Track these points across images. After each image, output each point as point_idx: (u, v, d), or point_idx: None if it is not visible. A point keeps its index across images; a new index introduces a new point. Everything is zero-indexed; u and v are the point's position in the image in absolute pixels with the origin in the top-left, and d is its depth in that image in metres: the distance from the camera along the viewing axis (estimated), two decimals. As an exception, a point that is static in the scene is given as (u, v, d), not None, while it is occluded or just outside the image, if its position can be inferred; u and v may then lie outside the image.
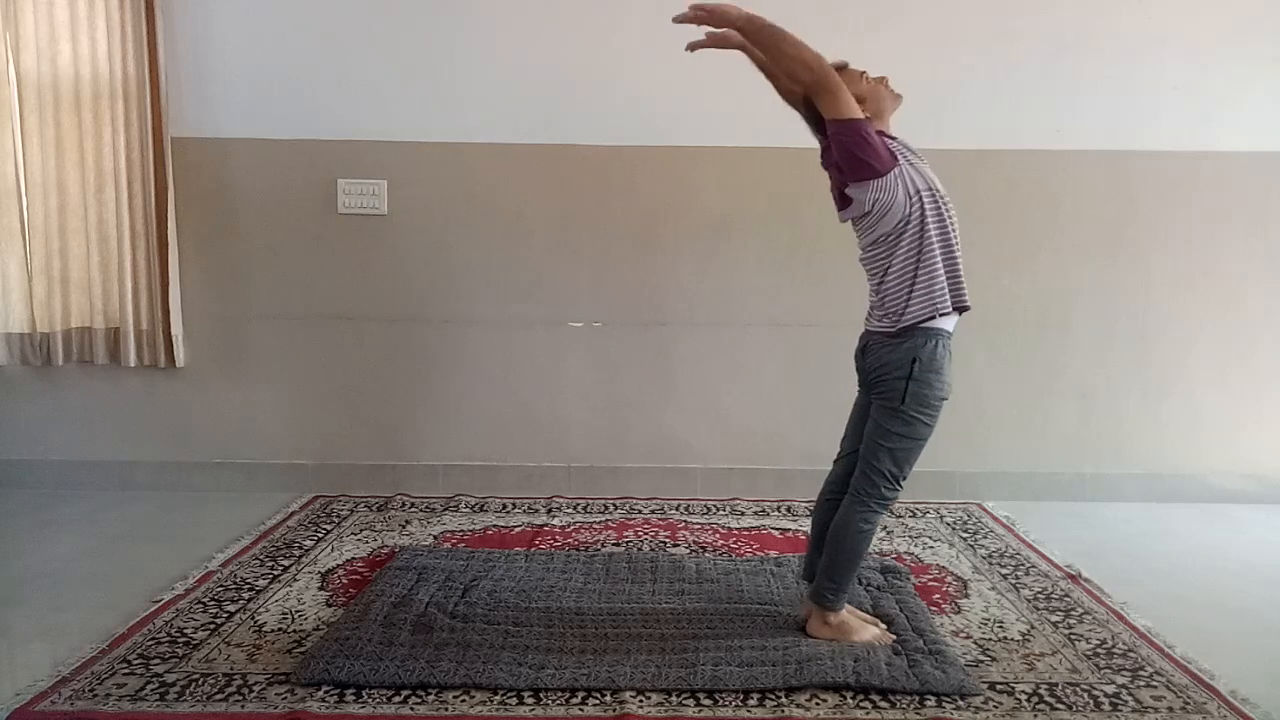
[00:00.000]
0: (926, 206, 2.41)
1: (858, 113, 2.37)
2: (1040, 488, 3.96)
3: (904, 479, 2.53)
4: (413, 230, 3.90)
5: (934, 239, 2.41)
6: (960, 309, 2.47)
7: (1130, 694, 2.35)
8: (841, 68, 2.49)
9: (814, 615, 2.60)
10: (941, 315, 2.42)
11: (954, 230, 2.46)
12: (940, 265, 2.42)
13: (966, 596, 2.95)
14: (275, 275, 3.93)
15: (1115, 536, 3.56)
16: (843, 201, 2.50)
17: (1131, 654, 2.56)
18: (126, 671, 2.41)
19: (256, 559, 3.20)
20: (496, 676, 2.35)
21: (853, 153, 2.37)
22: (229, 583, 2.99)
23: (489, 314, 3.94)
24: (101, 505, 3.74)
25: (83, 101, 3.74)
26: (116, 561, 3.23)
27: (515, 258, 3.92)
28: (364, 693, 2.30)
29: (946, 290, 2.43)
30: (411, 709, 2.25)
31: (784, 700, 2.29)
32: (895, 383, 2.45)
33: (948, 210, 2.45)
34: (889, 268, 2.45)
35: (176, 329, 3.87)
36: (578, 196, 3.89)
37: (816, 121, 2.49)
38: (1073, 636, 2.67)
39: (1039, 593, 2.97)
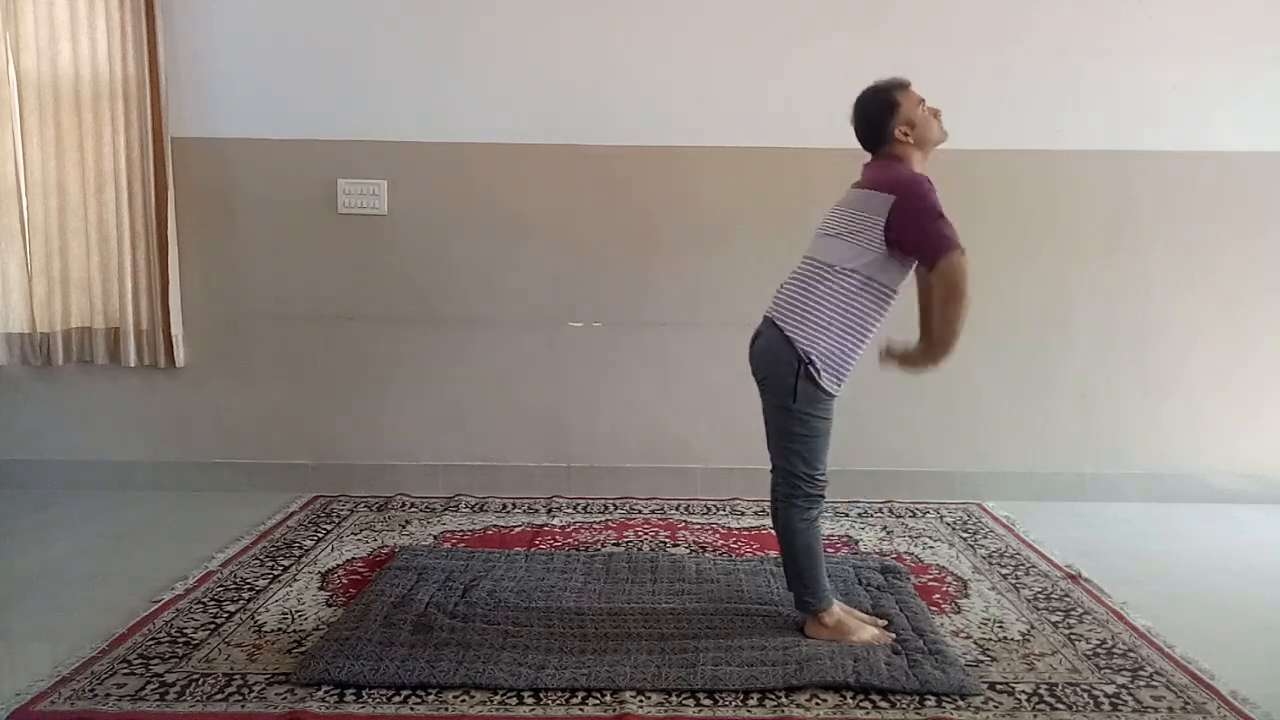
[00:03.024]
0: (872, 293, 2.44)
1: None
2: (1040, 488, 3.96)
3: (822, 472, 2.52)
4: (413, 230, 3.90)
5: (856, 317, 2.44)
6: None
7: (1130, 694, 2.35)
8: (905, 85, 2.50)
9: (809, 618, 2.60)
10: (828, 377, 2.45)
11: (878, 324, 2.50)
12: (855, 343, 2.46)
13: (966, 596, 2.95)
14: (275, 275, 3.93)
15: (1115, 536, 3.56)
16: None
17: (1131, 654, 2.56)
18: (126, 671, 2.41)
19: (256, 559, 3.20)
20: (496, 676, 2.35)
21: (923, 230, 2.37)
22: (229, 583, 2.99)
23: (489, 314, 3.94)
24: (101, 505, 3.74)
25: (83, 101, 3.74)
26: (116, 561, 3.23)
27: (515, 258, 3.92)
28: (364, 693, 2.31)
29: (837, 369, 2.46)
30: (411, 709, 2.25)
31: (784, 700, 2.29)
32: (785, 380, 2.45)
33: (885, 304, 2.49)
34: (814, 291, 2.47)
35: (176, 329, 3.87)
36: (578, 196, 3.89)
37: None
38: (1073, 636, 2.67)
39: (1039, 593, 2.97)
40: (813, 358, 2.43)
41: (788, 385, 2.44)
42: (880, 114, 2.50)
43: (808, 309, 2.46)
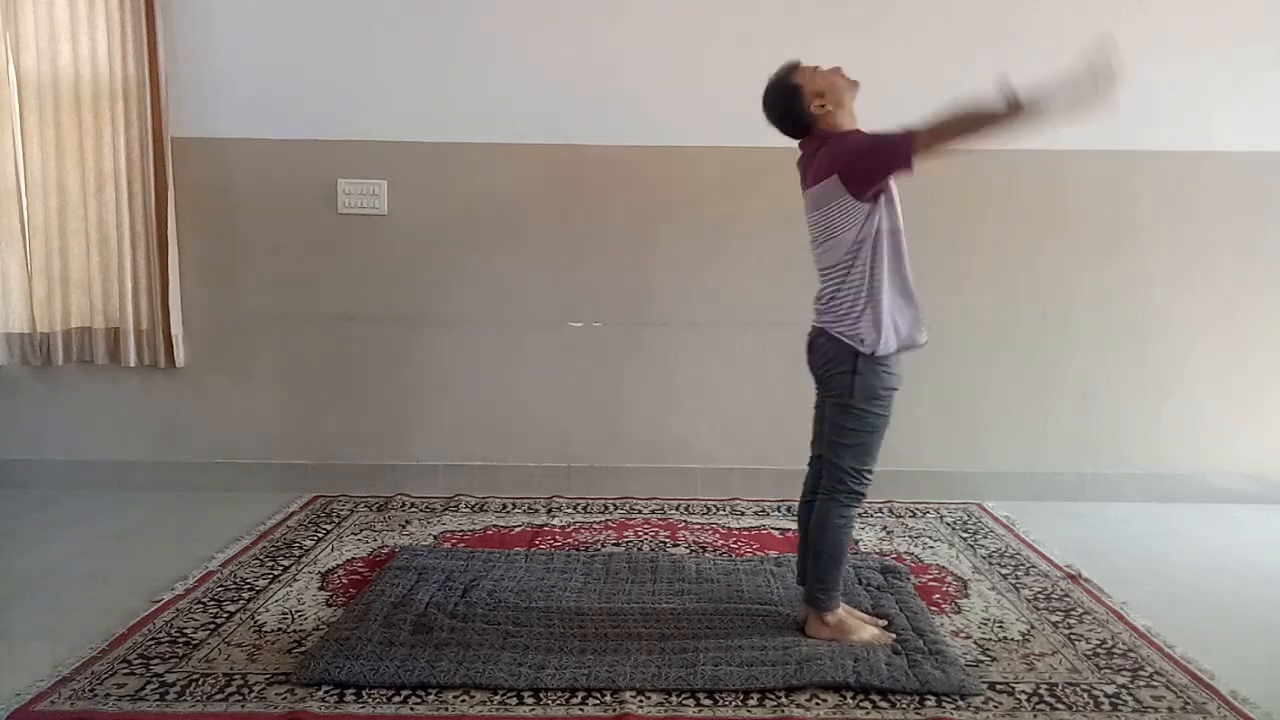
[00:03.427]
0: (884, 248, 2.42)
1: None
2: (1040, 488, 3.96)
3: (869, 472, 2.54)
4: (413, 230, 3.90)
5: (885, 279, 2.42)
6: (909, 348, 2.48)
7: (1130, 694, 2.35)
8: (795, 65, 2.50)
9: (811, 616, 2.60)
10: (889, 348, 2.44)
11: (907, 267, 2.47)
12: (889, 304, 2.43)
13: (966, 596, 2.95)
14: (275, 275, 3.93)
15: (1115, 536, 3.56)
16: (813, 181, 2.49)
17: (1131, 654, 2.56)
18: (126, 671, 2.41)
19: (256, 559, 3.20)
20: (496, 676, 2.35)
21: (869, 167, 2.37)
22: (229, 583, 2.99)
23: (489, 314, 3.94)
24: (101, 505, 3.74)
25: (83, 101, 3.74)
26: (116, 561, 3.23)
27: (515, 258, 3.92)
28: (364, 693, 2.31)
29: (895, 330, 2.44)
30: (411, 709, 2.25)
31: (784, 700, 2.29)
32: (841, 377, 2.46)
33: (902, 247, 2.46)
34: (840, 289, 2.47)
35: (176, 329, 3.87)
36: (578, 196, 3.89)
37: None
38: (1073, 636, 2.67)
39: (1039, 593, 2.98)
40: (874, 344, 2.42)
41: (845, 382, 2.45)
42: (789, 103, 2.50)
43: (846, 306, 2.45)
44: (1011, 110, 2.24)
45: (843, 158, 2.41)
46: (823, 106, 2.47)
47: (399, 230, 3.90)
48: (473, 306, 3.93)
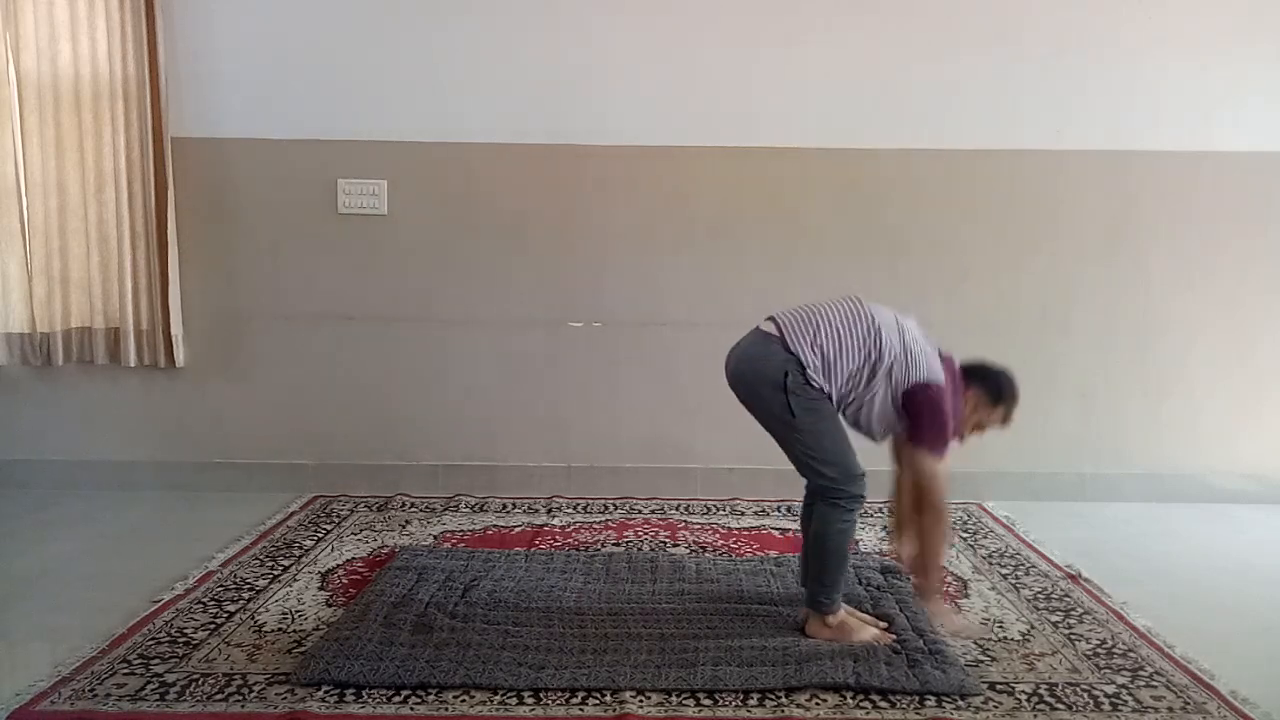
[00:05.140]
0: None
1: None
2: (1040, 488, 3.96)
3: (854, 468, 2.54)
4: (413, 230, 3.90)
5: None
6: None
7: (1130, 694, 2.35)
8: (1004, 402, 2.76)
9: (812, 618, 2.60)
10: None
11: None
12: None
13: (966, 596, 2.95)
14: (275, 275, 3.93)
15: (1115, 536, 3.56)
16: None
17: (1131, 654, 2.56)
18: (126, 671, 2.41)
19: (256, 559, 3.20)
20: (496, 676, 2.35)
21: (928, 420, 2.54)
22: (229, 583, 2.99)
23: (489, 314, 3.94)
24: (101, 505, 3.74)
25: (83, 101, 3.74)
26: (116, 561, 3.23)
27: (515, 258, 3.92)
28: (364, 693, 2.30)
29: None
30: (411, 709, 2.25)
31: (784, 700, 2.29)
32: (775, 395, 2.54)
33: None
34: (866, 407, 2.60)
35: (176, 329, 3.87)
36: (578, 196, 3.89)
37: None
38: (1073, 636, 2.67)
39: (1039, 593, 2.98)
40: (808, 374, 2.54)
41: (780, 401, 2.55)
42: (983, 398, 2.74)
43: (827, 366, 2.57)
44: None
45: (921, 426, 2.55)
46: (973, 429, 2.72)
47: (399, 230, 3.90)
48: (473, 306, 3.93)
